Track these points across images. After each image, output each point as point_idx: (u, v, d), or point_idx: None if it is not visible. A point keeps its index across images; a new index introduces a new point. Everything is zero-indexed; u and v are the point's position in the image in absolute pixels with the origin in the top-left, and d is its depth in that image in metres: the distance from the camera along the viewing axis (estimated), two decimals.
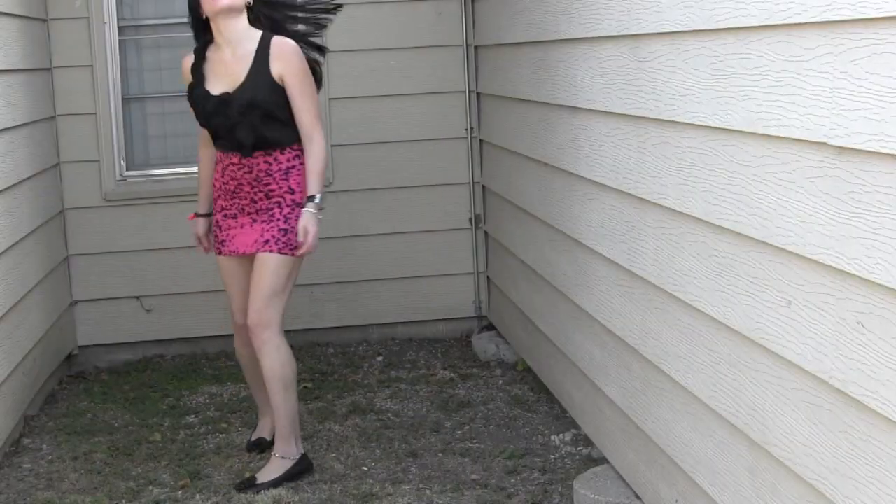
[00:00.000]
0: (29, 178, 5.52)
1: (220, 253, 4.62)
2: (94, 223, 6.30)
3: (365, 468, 4.71)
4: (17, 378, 5.12)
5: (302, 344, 6.51)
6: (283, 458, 4.54)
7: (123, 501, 4.47)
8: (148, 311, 6.41)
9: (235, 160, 4.48)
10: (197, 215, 4.81)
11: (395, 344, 6.49)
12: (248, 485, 4.47)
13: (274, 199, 4.47)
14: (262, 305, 4.46)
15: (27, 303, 5.35)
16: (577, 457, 4.72)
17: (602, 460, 4.49)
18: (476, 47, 6.38)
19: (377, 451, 4.88)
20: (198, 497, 4.47)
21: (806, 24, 2.62)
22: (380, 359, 6.25)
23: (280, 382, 4.51)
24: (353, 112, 6.39)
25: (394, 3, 6.39)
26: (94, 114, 6.24)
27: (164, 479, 4.65)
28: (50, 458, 4.96)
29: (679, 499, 3.65)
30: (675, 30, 3.39)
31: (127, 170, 6.34)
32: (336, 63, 6.12)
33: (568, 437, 4.90)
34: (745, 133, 2.99)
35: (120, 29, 6.29)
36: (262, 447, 4.84)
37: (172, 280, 6.38)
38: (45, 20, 6.12)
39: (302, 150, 4.49)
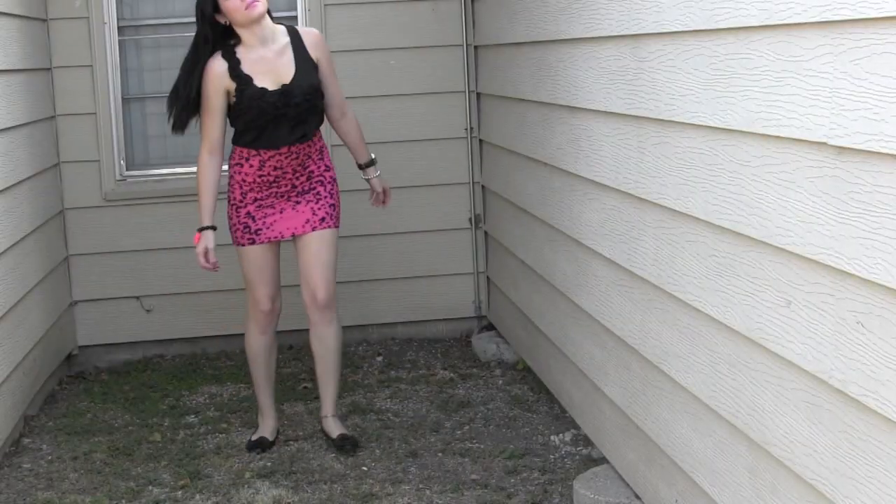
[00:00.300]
0: (29, 178, 5.52)
1: (253, 242, 4.67)
2: (94, 223, 6.30)
3: (365, 468, 4.71)
4: (16, 378, 5.12)
5: (302, 344, 6.51)
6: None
7: (123, 501, 4.47)
8: (148, 311, 6.41)
9: (285, 150, 4.61)
10: (203, 231, 4.65)
11: (394, 344, 6.49)
12: (353, 443, 4.81)
13: (315, 179, 4.70)
14: (331, 279, 4.77)
15: (27, 303, 5.35)
16: (577, 457, 4.72)
17: (602, 460, 4.49)
18: (476, 47, 6.38)
19: (377, 450, 4.88)
20: (198, 497, 4.47)
21: (806, 24, 2.62)
22: (379, 359, 6.25)
23: (341, 350, 4.92)
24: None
25: (393, 2, 6.38)
26: (94, 114, 6.25)
27: (163, 479, 4.65)
28: (50, 457, 4.96)
29: (679, 498, 3.65)
30: (675, 30, 3.39)
31: (127, 170, 6.35)
32: (336, 63, 6.10)
33: (568, 437, 4.90)
34: (744, 133, 2.99)
35: (120, 29, 6.30)
36: (264, 447, 4.87)
37: (172, 280, 6.38)
38: (44, 20, 6.12)
39: (321, 133, 4.80)
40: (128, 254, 6.34)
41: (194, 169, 6.40)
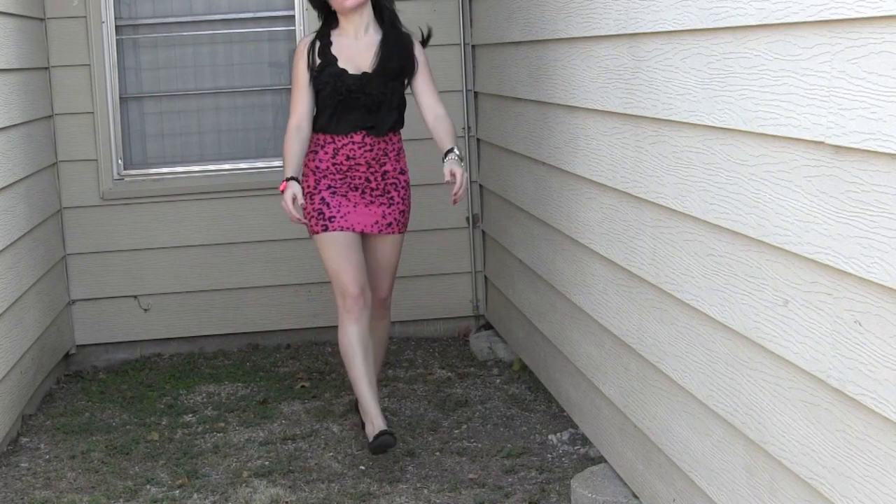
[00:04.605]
0: (26, 177, 5.52)
1: (327, 229, 4.68)
2: (92, 222, 6.30)
3: (362, 467, 4.71)
4: (14, 377, 5.12)
5: (300, 343, 6.52)
6: None
7: (121, 500, 4.47)
8: (146, 310, 6.41)
9: (358, 139, 4.69)
10: (289, 180, 4.62)
11: (392, 343, 6.49)
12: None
13: (390, 181, 4.76)
14: (391, 282, 4.94)
15: (25, 302, 5.35)
16: (575, 456, 4.72)
17: (600, 459, 4.49)
18: (473, 46, 6.38)
19: None
20: (195, 496, 4.47)
21: (803, 22, 2.62)
22: None
23: (387, 341, 5.13)
24: None
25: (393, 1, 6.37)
26: (92, 113, 6.24)
27: (161, 478, 4.65)
28: (47, 457, 4.96)
29: (677, 498, 3.65)
30: (672, 29, 3.39)
31: (124, 169, 6.34)
32: None
33: (565, 436, 4.90)
34: (742, 132, 2.99)
35: (117, 28, 6.29)
36: (387, 443, 4.53)
37: (170, 279, 6.38)
38: (42, 19, 6.12)
39: (401, 136, 4.86)
40: (125, 253, 6.34)
41: (192, 168, 6.49)
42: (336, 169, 4.71)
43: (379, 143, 4.73)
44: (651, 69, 3.61)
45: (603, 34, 4.02)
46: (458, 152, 4.70)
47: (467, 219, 6.54)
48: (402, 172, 4.84)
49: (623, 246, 3.99)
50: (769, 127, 2.82)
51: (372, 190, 4.74)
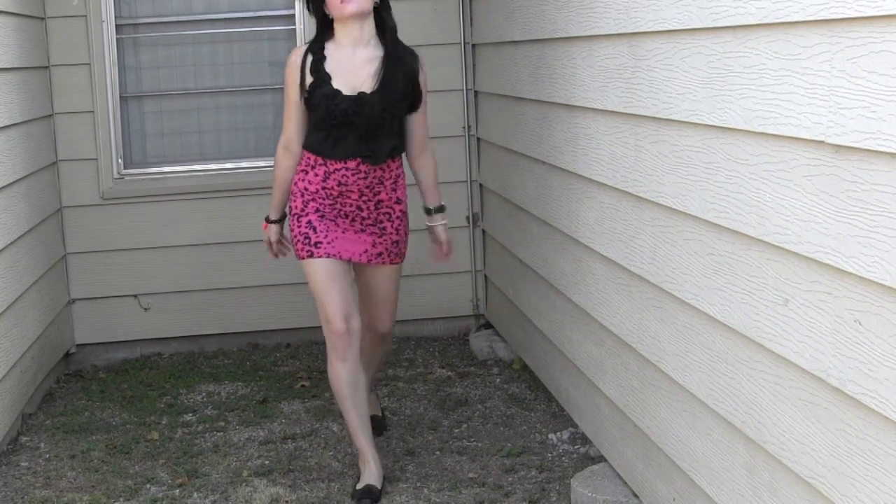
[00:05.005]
0: (26, 176, 5.52)
1: (312, 255, 4.34)
2: (92, 221, 6.30)
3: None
4: (14, 376, 5.12)
5: (300, 342, 6.51)
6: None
7: (121, 500, 4.47)
8: (146, 309, 6.41)
9: (352, 165, 4.32)
10: (270, 223, 4.61)
11: (392, 342, 6.48)
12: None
13: (383, 211, 4.41)
14: (387, 313, 4.62)
15: (25, 301, 5.35)
16: (575, 455, 4.72)
17: (600, 458, 4.49)
18: (474, 45, 6.38)
19: None
20: (195, 495, 4.47)
21: (803, 22, 2.62)
22: None
23: (385, 359, 4.96)
24: None
25: (393, 1, 6.36)
26: (92, 112, 6.24)
27: (161, 478, 4.65)
28: (47, 456, 4.96)
29: (677, 497, 3.65)
30: (672, 28, 3.39)
31: (124, 168, 6.34)
32: None
33: (565, 435, 4.90)
34: (742, 131, 2.99)
35: (118, 27, 6.29)
36: (373, 497, 4.33)
37: (170, 278, 6.38)
38: (42, 18, 6.12)
39: (401, 162, 4.50)
40: (125, 252, 6.34)
41: (193, 167, 6.50)
42: (326, 194, 4.35)
43: (375, 170, 4.35)
44: (651, 68, 3.61)
45: (603, 33, 4.02)
46: (444, 212, 4.60)
47: (467, 218, 6.54)
48: (398, 202, 4.46)
49: (623, 245, 3.99)
50: (769, 126, 2.82)
51: (363, 219, 4.39)
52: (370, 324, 4.62)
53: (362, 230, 4.40)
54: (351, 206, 4.37)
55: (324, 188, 4.34)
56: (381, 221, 4.42)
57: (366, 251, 4.41)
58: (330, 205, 4.36)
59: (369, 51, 4.32)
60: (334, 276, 4.34)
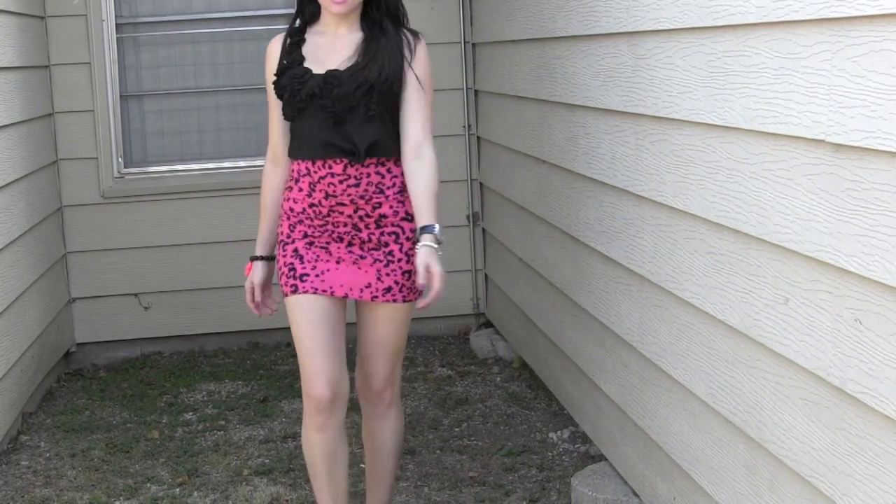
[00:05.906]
0: (27, 175, 5.52)
1: (296, 290, 3.50)
2: (92, 220, 6.30)
3: (362, 465, 4.70)
4: (14, 375, 5.12)
5: None
6: None
7: (121, 498, 4.47)
8: (146, 308, 6.41)
9: (338, 169, 3.47)
10: (254, 260, 3.71)
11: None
12: None
13: (388, 230, 3.50)
14: (392, 367, 3.66)
15: (25, 300, 5.35)
16: (575, 454, 4.73)
17: (600, 457, 4.49)
18: (474, 44, 6.38)
19: None
20: (195, 494, 4.47)
21: (804, 21, 2.62)
22: None
23: (399, 450, 3.82)
24: None
25: None
26: (92, 111, 6.25)
27: (161, 477, 4.66)
28: (48, 455, 4.97)
29: (677, 496, 3.65)
30: (673, 27, 3.39)
31: (125, 167, 6.35)
32: None
33: (566, 434, 4.90)
34: (742, 130, 2.99)
35: (118, 26, 6.30)
36: None
37: (170, 277, 6.38)
38: (42, 17, 6.12)
39: None
40: (126, 251, 6.34)
41: (192, 166, 6.50)
42: (314, 212, 3.50)
43: (368, 174, 3.47)
44: (651, 67, 3.61)
45: (603, 32, 4.02)
46: (437, 231, 3.39)
47: (468, 217, 6.55)
48: (408, 218, 3.51)
49: (623, 244, 3.99)
50: (770, 125, 2.82)
51: (363, 242, 3.50)
52: (364, 378, 3.69)
53: (362, 257, 3.51)
54: (345, 225, 3.50)
55: (311, 205, 3.51)
56: (387, 244, 3.51)
57: (369, 285, 3.52)
58: (320, 226, 3.51)
59: (354, 33, 3.56)
60: (321, 322, 3.50)
